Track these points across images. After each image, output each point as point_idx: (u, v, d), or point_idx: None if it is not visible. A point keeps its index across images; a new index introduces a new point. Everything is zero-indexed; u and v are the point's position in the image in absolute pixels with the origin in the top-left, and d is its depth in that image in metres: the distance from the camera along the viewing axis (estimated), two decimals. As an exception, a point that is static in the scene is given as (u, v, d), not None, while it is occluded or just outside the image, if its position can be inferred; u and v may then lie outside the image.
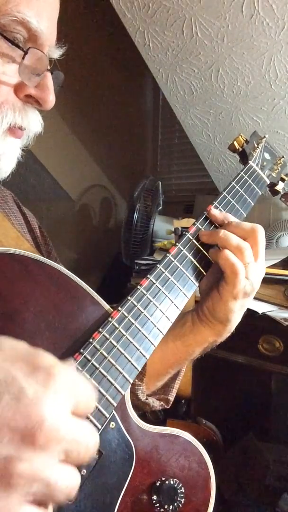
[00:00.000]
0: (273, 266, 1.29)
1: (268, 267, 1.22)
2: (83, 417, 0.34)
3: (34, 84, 0.52)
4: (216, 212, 0.61)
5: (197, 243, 0.58)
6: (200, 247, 0.58)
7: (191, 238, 0.58)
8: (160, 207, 1.92)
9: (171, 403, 0.69)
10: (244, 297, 0.58)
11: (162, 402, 0.68)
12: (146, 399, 0.64)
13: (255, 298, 1.19)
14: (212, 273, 0.59)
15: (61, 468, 0.31)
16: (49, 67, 0.53)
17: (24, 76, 0.51)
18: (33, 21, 0.49)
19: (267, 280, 1.19)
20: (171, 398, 0.69)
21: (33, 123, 0.55)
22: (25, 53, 0.49)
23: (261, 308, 1.16)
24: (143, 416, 0.65)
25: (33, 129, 0.56)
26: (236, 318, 0.60)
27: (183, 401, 1.39)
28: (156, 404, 0.66)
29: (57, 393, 0.31)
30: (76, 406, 0.33)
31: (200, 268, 0.57)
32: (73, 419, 0.32)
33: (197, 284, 0.57)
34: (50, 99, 0.53)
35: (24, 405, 0.29)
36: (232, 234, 0.57)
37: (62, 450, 0.31)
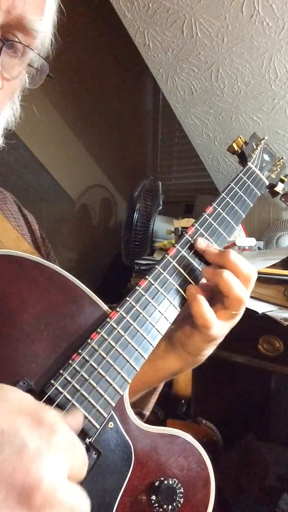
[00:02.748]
0: (273, 266, 1.28)
1: (268, 267, 1.22)
2: (75, 482, 0.33)
3: None
4: (201, 242, 0.56)
5: None
6: None
7: (190, 239, 0.58)
8: (160, 207, 1.92)
9: (146, 417, 0.66)
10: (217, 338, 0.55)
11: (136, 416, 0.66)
12: None
13: (255, 298, 1.19)
14: (184, 307, 0.54)
15: None
16: None
17: None
18: None
19: (267, 280, 1.19)
20: (147, 412, 0.66)
21: None
22: None
23: (261, 308, 1.16)
24: (143, 416, 0.64)
25: None
26: (208, 352, 0.58)
27: (183, 401, 1.39)
28: None
29: (58, 451, 0.30)
30: (71, 470, 0.32)
31: (199, 269, 0.57)
32: (69, 484, 0.31)
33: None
34: None
35: (25, 461, 0.29)
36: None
37: None
